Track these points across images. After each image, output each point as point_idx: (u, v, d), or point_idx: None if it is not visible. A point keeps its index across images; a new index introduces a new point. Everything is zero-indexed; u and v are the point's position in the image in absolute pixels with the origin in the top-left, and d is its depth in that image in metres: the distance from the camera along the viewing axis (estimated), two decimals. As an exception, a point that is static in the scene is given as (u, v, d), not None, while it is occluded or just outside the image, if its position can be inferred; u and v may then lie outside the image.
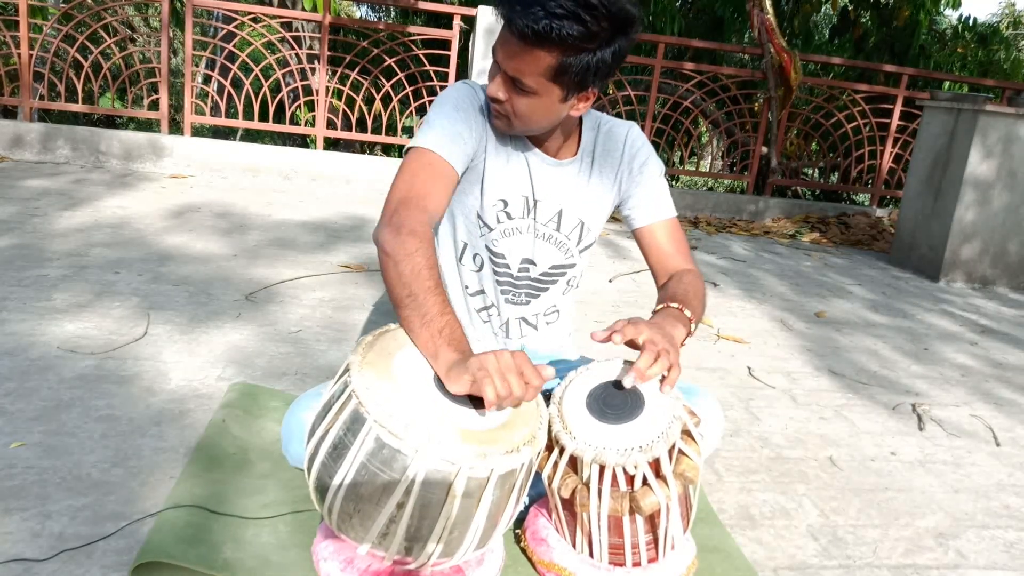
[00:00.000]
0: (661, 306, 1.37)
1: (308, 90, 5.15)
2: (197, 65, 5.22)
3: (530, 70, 1.25)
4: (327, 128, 5.17)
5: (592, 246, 1.59)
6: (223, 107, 5.22)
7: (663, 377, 1.23)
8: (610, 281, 3.48)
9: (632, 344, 1.22)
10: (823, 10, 7.97)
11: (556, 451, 1.22)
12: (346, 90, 5.12)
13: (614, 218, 4.99)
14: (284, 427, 1.44)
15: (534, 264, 1.54)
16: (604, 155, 1.52)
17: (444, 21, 6.27)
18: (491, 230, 1.48)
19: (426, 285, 1.18)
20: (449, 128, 1.35)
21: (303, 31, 5.87)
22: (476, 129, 1.40)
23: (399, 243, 1.21)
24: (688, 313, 1.35)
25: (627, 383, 1.20)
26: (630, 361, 1.31)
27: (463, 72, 5.58)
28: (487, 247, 1.51)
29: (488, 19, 4.81)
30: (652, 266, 1.55)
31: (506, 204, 1.47)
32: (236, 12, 4.94)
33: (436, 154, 1.33)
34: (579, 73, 1.26)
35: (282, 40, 5.21)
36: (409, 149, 1.36)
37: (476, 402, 1.11)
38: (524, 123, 1.35)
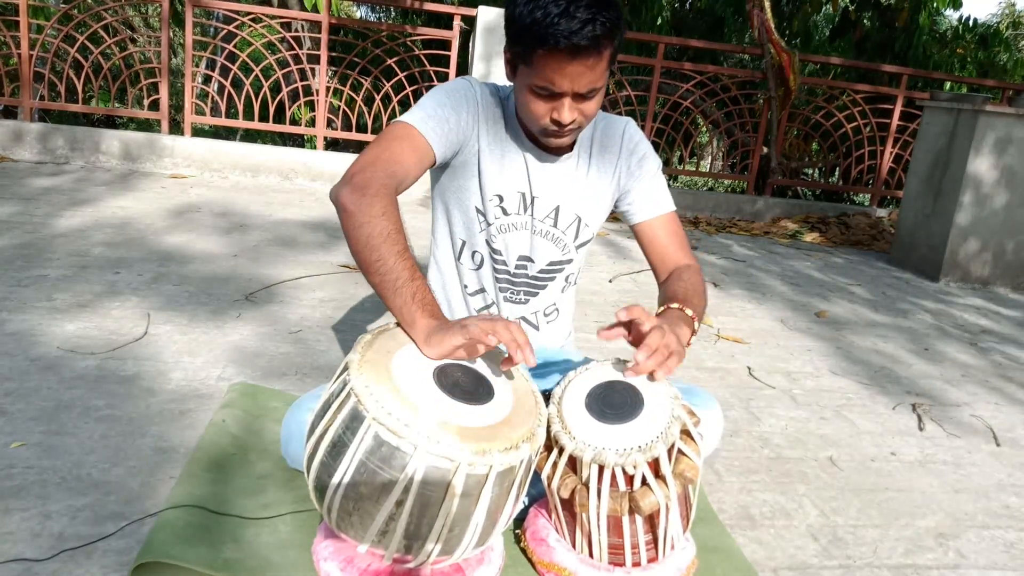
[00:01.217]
0: (662, 308, 1.38)
1: (308, 90, 5.15)
2: (197, 65, 5.22)
3: (600, 72, 1.27)
4: (327, 128, 5.17)
5: (589, 243, 1.58)
6: (223, 107, 5.22)
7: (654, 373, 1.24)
8: (610, 281, 3.48)
9: (638, 335, 1.23)
10: (823, 10, 7.96)
11: (555, 451, 1.22)
12: (346, 90, 5.12)
13: (614, 219, 4.99)
14: (284, 429, 1.43)
15: (532, 261, 1.54)
16: (601, 150, 1.52)
17: (444, 21, 6.27)
18: (490, 225, 1.48)
19: (395, 249, 1.18)
20: (435, 110, 1.37)
21: (303, 31, 5.87)
22: (465, 120, 1.40)
23: (365, 203, 1.21)
24: (690, 312, 1.35)
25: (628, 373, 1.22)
26: (625, 360, 1.31)
27: (463, 72, 5.58)
28: (487, 242, 1.51)
29: (488, 18, 4.81)
30: (652, 261, 1.55)
31: (501, 199, 1.47)
32: (236, 12, 4.94)
33: (415, 129, 1.34)
34: (621, 44, 1.29)
35: (282, 40, 5.21)
36: (391, 122, 1.37)
37: (474, 399, 1.11)
38: (589, 119, 1.36)
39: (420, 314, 1.15)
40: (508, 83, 1.42)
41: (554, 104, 1.30)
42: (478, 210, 1.48)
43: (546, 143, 1.41)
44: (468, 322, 1.11)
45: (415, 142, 1.34)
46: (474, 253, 1.53)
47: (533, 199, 1.49)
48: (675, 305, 1.36)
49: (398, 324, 1.22)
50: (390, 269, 1.18)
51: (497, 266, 1.53)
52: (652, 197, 1.53)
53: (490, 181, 1.46)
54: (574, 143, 1.49)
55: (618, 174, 1.53)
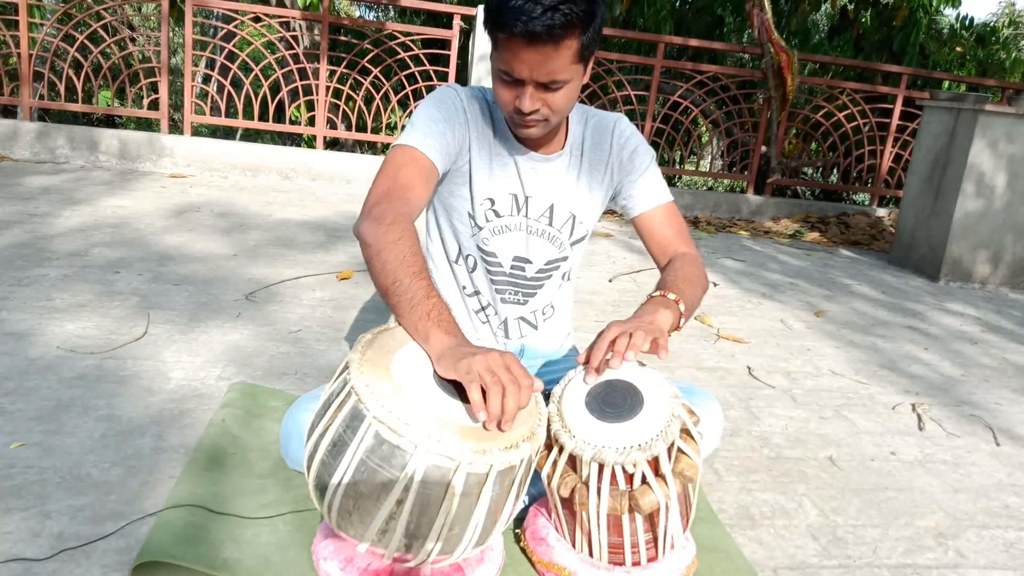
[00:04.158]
0: (645, 299, 1.38)
1: (308, 90, 5.16)
2: (197, 64, 5.22)
3: (561, 64, 1.25)
4: (327, 128, 5.18)
5: (585, 239, 1.58)
6: (223, 107, 5.22)
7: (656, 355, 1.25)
8: (610, 281, 3.48)
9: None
10: (822, 8, 7.95)
11: (555, 450, 1.22)
12: (346, 90, 5.12)
13: (617, 218, 4.99)
14: (283, 429, 1.43)
15: (529, 262, 1.54)
16: (593, 147, 1.52)
17: (444, 21, 6.27)
18: (481, 229, 1.49)
19: (411, 271, 1.19)
20: (431, 127, 1.38)
21: (302, 30, 5.88)
22: (458, 130, 1.42)
23: (381, 233, 1.23)
24: (672, 296, 1.35)
25: (589, 380, 1.25)
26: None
27: (463, 71, 5.58)
28: (478, 246, 1.51)
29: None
30: (652, 252, 1.56)
31: (493, 203, 1.48)
32: (236, 12, 4.94)
33: (417, 150, 1.36)
34: (593, 41, 1.28)
35: (282, 40, 5.21)
36: (392, 147, 1.39)
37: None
38: (560, 115, 1.35)
39: (434, 330, 1.15)
40: None
41: (517, 91, 1.29)
42: (469, 215, 1.49)
43: (515, 132, 1.41)
44: (476, 369, 1.07)
45: (419, 163, 1.35)
46: (467, 256, 1.54)
47: (527, 199, 1.49)
48: (656, 293, 1.37)
49: (398, 324, 1.22)
50: (406, 290, 1.18)
51: (491, 268, 1.53)
52: (648, 190, 1.53)
53: (480, 186, 1.46)
54: (565, 140, 1.49)
55: (611, 170, 1.53)
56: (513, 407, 1.06)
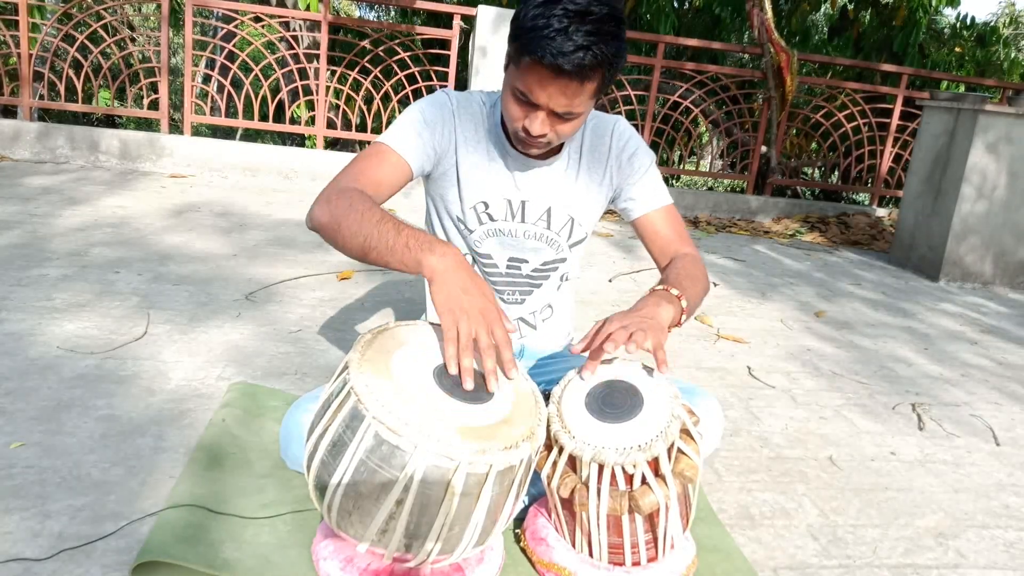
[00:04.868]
0: (647, 291, 1.39)
1: (308, 90, 5.16)
2: (197, 64, 5.22)
3: (581, 99, 1.27)
4: (327, 128, 5.18)
5: (584, 241, 1.58)
6: (223, 107, 5.22)
7: (656, 368, 1.24)
8: (610, 281, 3.48)
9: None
10: (823, 9, 7.95)
11: (555, 450, 1.22)
12: (346, 89, 5.12)
13: (617, 219, 4.99)
14: (283, 430, 1.44)
15: (525, 262, 1.54)
16: (592, 150, 1.52)
17: (444, 21, 6.27)
18: (472, 232, 1.50)
19: (374, 220, 1.21)
20: (408, 127, 1.40)
21: (303, 30, 5.88)
22: (440, 131, 1.43)
23: (333, 208, 1.26)
24: (675, 292, 1.35)
25: (585, 375, 1.26)
26: (626, 360, 1.31)
27: (463, 71, 5.58)
28: (471, 248, 1.52)
29: (488, 18, 4.81)
30: (653, 254, 1.56)
31: (487, 206, 1.48)
32: (236, 12, 4.94)
33: (388, 147, 1.38)
34: (612, 79, 1.30)
35: (282, 39, 5.21)
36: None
37: (474, 398, 1.12)
38: (563, 140, 1.38)
39: (423, 255, 1.17)
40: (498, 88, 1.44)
41: (529, 112, 1.31)
42: (458, 218, 1.50)
43: (516, 145, 1.42)
44: (460, 330, 1.12)
45: (385, 157, 1.38)
46: (464, 256, 1.54)
47: (523, 203, 1.49)
48: (659, 287, 1.37)
49: (398, 325, 1.23)
50: (378, 238, 1.20)
51: (487, 269, 1.54)
52: (648, 192, 1.53)
53: (471, 190, 1.47)
54: (562, 146, 1.49)
55: (610, 172, 1.53)
56: (510, 357, 1.13)
